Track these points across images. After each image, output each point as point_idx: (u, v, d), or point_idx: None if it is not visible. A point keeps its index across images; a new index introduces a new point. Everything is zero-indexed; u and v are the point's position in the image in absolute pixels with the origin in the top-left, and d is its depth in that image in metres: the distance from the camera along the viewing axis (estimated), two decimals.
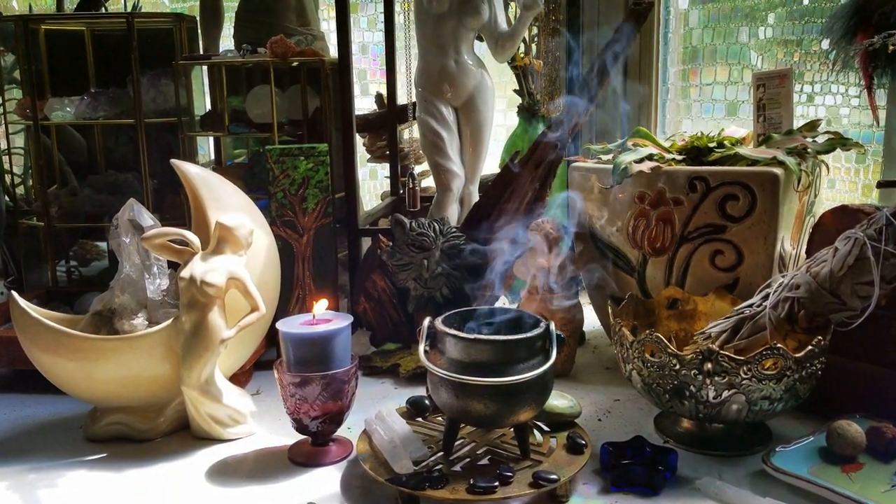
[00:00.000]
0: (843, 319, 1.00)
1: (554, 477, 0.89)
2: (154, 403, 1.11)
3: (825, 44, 1.51)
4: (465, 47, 1.56)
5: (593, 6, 1.82)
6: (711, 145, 1.26)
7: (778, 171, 1.12)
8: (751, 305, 1.05)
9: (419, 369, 1.29)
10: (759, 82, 1.33)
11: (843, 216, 1.13)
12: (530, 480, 0.89)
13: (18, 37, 1.63)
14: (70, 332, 1.06)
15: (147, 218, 1.13)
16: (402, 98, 1.70)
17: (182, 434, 1.12)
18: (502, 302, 1.55)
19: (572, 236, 1.28)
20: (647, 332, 0.99)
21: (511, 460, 0.95)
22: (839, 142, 1.24)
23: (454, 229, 1.38)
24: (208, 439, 1.10)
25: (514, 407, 0.91)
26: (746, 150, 1.21)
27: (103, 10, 1.99)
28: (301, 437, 1.06)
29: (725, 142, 1.27)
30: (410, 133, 1.91)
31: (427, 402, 1.08)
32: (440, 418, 1.07)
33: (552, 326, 0.95)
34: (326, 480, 0.99)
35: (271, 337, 1.24)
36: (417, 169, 1.87)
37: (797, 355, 0.94)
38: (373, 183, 2.46)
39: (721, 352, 0.94)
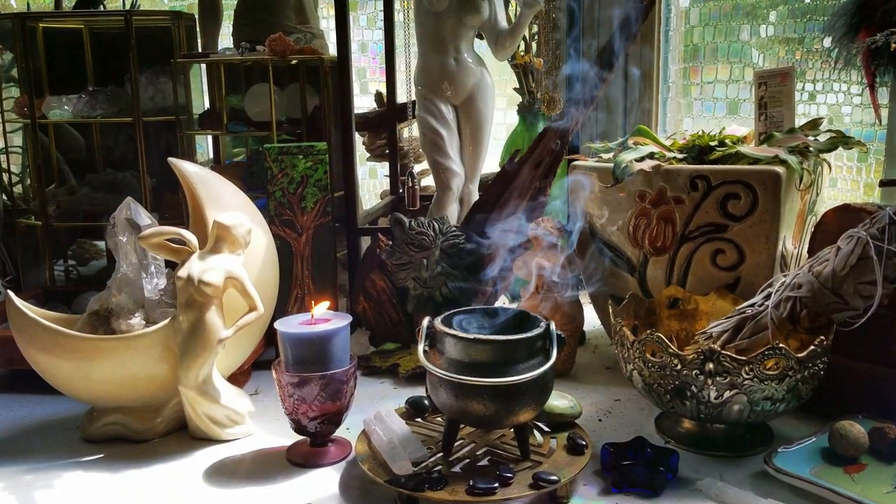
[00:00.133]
0: (845, 319, 0.99)
1: (554, 478, 0.89)
2: (151, 404, 1.10)
3: (827, 42, 1.50)
4: (465, 45, 1.56)
5: (593, 4, 1.81)
6: (713, 144, 1.25)
7: (780, 169, 1.11)
8: (752, 305, 1.05)
9: (418, 369, 1.29)
10: (761, 80, 1.33)
11: (846, 215, 1.12)
12: (530, 482, 0.89)
13: (16, 34, 1.62)
14: (67, 331, 1.05)
15: (144, 217, 1.13)
16: (402, 96, 1.70)
17: (180, 434, 1.12)
18: (502, 301, 1.55)
19: (573, 233, 1.27)
20: (649, 331, 0.98)
21: (511, 461, 0.94)
22: (841, 140, 1.23)
23: (454, 228, 1.37)
24: (206, 440, 1.09)
25: (514, 407, 0.90)
26: (748, 149, 1.20)
27: (101, 8, 1.98)
28: (299, 437, 1.05)
29: (727, 140, 1.27)
30: (410, 131, 1.90)
31: (426, 402, 1.07)
32: (440, 419, 1.06)
33: (552, 326, 0.94)
34: (325, 481, 0.98)
35: (270, 336, 1.24)
36: (417, 168, 1.87)
37: (799, 355, 0.94)
38: (372, 182, 2.46)
39: (723, 352, 0.93)
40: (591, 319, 1.40)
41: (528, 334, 0.91)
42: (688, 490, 0.93)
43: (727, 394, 0.94)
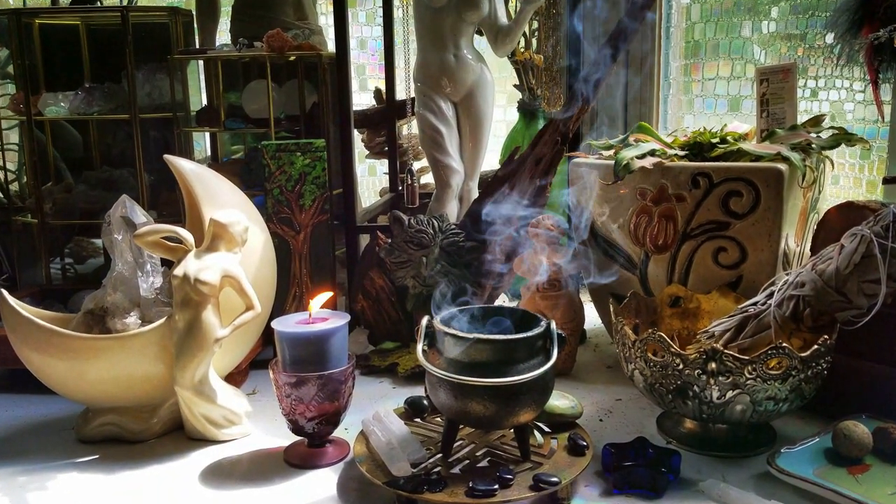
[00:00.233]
0: (849, 318, 0.99)
1: (555, 479, 0.88)
2: (147, 404, 1.09)
3: (829, 38, 1.50)
4: (465, 42, 1.55)
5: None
6: (714, 141, 1.24)
7: (782, 166, 1.11)
8: (755, 304, 1.04)
9: (418, 368, 1.28)
10: (763, 77, 1.32)
11: (849, 213, 1.12)
12: (531, 483, 0.88)
13: (12, 31, 1.61)
14: (61, 330, 1.04)
15: (140, 215, 1.12)
16: (401, 93, 1.68)
17: (176, 435, 1.11)
18: (502, 300, 1.54)
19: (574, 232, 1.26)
20: (650, 331, 0.97)
21: (511, 462, 0.93)
22: (844, 137, 1.23)
23: (453, 226, 1.36)
24: (202, 440, 1.08)
25: (515, 408, 0.89)
26: (750, 146, 1.20)
27: (98, 4, 1.97)
28: (297, 438, 1.04)
29: (728, 137, 1.26)
30: (409, 129, 1.89)
31: (425, 402, 1.06)
32: (439, 419, 1.05)
33: (553, 325, 0.93)
34: (323, 483, 0.97)
35: (268, 336, 1.23)
36: (416, 165, 1.86)
37: (803, 355, 0.93)
38: (371, 179, 2.45)
39: (725, 351, 0.92)
40: (591, 318, 1.40)
41: (529, 333, 0.90)
42: (690, 491, 0.92)
43: (730, 394, 0.93)
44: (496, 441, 0.99)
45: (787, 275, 1.04)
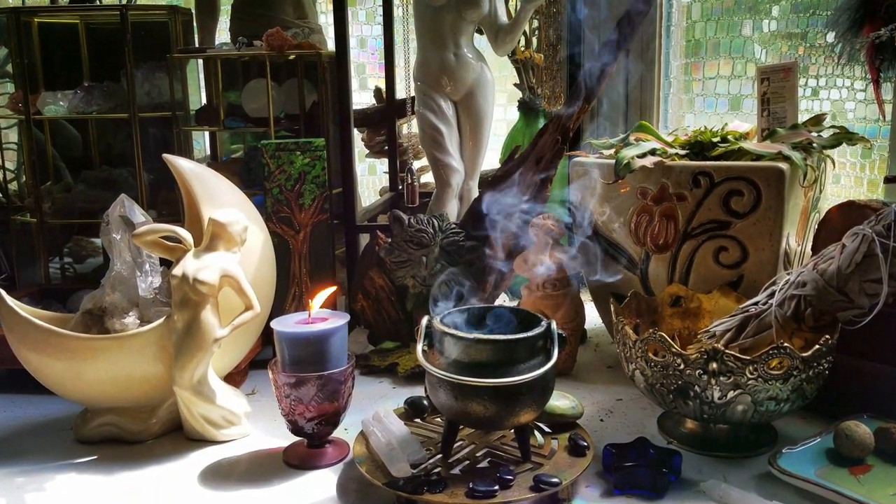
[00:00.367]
0: (850, 318, 0.98)
1: (555, 480, 0.87)
2: (146, 404, 1.09)
3: (830, 37, 1.49)
4: (465, 40, 1.54)
5: None
6: (715, 140, 1.24)
7: (783, 166, 1.10)
8: (756, 303, 1.03)
9: (418, 368, 1.27)
10: (764, 76, 1.31)
11: (850, 212, 1.12)
12: (531, 484, 0.87)
13: (11, 30, 1.61)
14: (59, 330, 1.03)
15: (138, 214, 1.11)
16: (401, 92, 1.68)
17: (175, 435, 1.10)
18: (503, 299, 1.53)
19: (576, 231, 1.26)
20: (651, 331, 0.97)
21: (511, 463, 0.93)
22: (845, 136, 1.23)
23: (453, 226, 1.36)
24: (201, 441, 1.08)
25: (515, 408, 0.88)
26: (751, 145, 1.19)
27: (97, 3, 1.96)
28: (296, 438, 1.04)
29: (729, 136, 1.25)
30: (409, 128, 1.89)
31: (426, 402, 1.06)
32: (439, 419, 1.05)
33: (553, 325, 0.93)
34: (322, 483, 0.97)
35: (267, 336, 1.22)
36: (416, 164, 1.86)
37: (804, 354, 0.92)
38: (371, 178, 2.45)
39: (726, 351, 0.92)
40: (591, 317, 1.39)
41: (529, 333, 0.89)
42: (691, 492, 0.92)
43: (731, 394, 0.93)
44: (496, 442, 0.99)
45: (788, 274, 1.04)
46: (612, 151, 1.29)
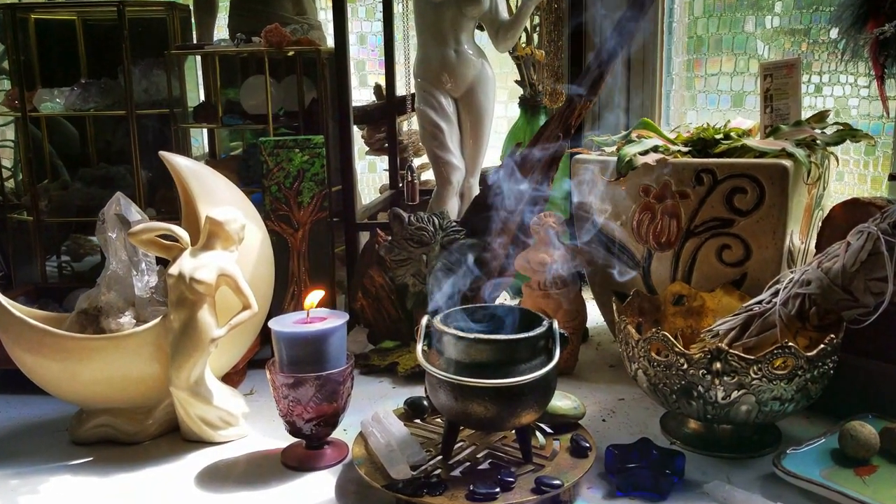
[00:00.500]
0: (855, 316, 0.97)
1: (557, 482, 0.86)
2: (142, 405, 1.08)
3: (834, 33, 1.48)
4: (466, 37, 1.53)
5: None
6: (718, 137, 1.23)
7: (787, 163, 1.09)
8: (760, 302, 1.02)
9: (418, 368, 1.26)
10: (767, 73, 1.31)
11: (854, 209, 1.11)
12: (533, 486, 0.86)
13: (7, 26, 1.60)
14: (54, 331, 1.02)
15: (134, 212, 1.10)
16: (401, 89, 1.67)
17: (171, 437, 1.09)
18: (504, 298, 1.52)
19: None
20: (654, 330, 0.96)
21: (513, 464, 0.92)
22: (848, 133, 1.22)
23: (454, 223, 1.35)
24: (198, 442, 1.07)
25: (516, 409, 0.87)
26: (754, 142, 1.18)
27: None
28: (295, 440, 1.03)
29: (732, 133, 1.24)
30: (409, 125, 1.88)
31: (426, 403, 1.05)
32: (439, 420, 1.04)
33: (555, 324, 0.91)
34: (321, 485, 0.96)
35: (265, 335, 1.21)
36: (416, 161, 1.85)
37: (809, 354, 0.91)
38: (371, 176, 2.44)
39: (730, 351, 0.91)
40: (593, 315, 1.38)
41: (531, 333, 0.88)
42: (694, 493, 0.91)
43: (735, 394, 0.92)
44: (497, 443, 0.98)
45: (792, 273, 1.03)
46: (614, 149, 1.28)
